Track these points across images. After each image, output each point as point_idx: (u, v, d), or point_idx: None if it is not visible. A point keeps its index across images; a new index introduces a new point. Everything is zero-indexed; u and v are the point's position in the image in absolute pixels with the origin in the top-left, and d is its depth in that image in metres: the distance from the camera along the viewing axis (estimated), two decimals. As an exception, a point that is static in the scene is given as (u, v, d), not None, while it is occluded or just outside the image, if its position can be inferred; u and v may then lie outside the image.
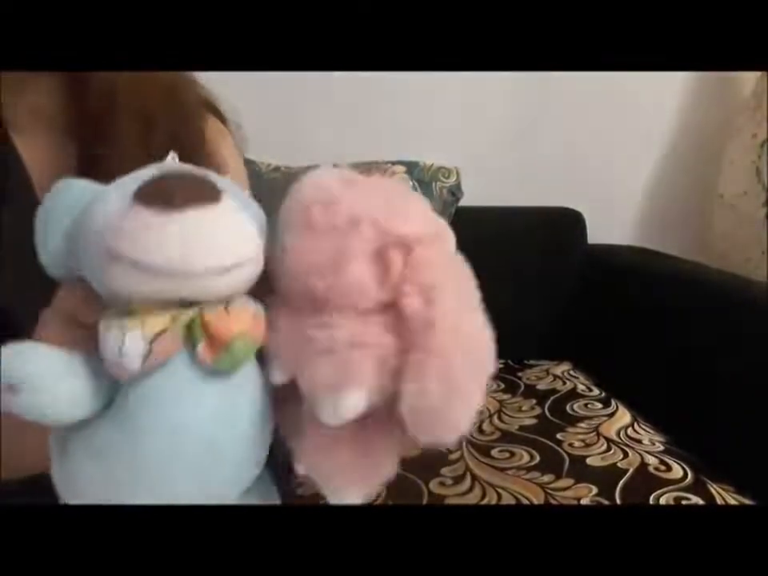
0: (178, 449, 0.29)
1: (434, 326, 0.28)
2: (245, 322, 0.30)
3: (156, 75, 0.51)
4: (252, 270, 0.30)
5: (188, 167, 0.31)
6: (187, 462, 0.29)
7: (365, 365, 0.28)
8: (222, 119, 0.62)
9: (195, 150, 0.55)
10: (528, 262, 1.25)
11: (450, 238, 0.32)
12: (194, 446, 0.29)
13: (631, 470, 0.76)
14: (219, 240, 0.29)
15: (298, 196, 0.31)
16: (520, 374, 1.13)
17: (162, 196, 0.28)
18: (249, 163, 1.17)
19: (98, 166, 0.48)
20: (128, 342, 0.28)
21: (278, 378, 0.31)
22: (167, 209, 0.27)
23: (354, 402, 0.28)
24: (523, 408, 0.98)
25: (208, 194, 0.29)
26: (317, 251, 0.29)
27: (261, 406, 0.32)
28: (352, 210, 0.29)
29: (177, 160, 0.34)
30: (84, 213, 0.29)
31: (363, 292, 0.29)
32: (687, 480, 0.74)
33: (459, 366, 0.28)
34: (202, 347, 0.29)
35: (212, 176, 0.31)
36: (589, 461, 0.79)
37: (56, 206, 0.31)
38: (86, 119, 0.50)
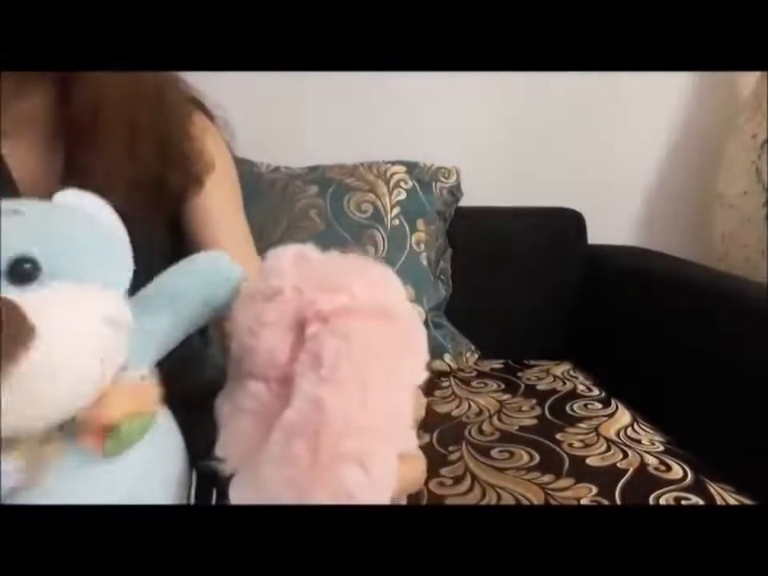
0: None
1: (314, 402, 0.26)
2: (125, 404, 0.27)
3: (141, 76, 0.51)
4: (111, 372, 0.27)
5: None
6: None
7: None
8: (209, 115, 0.62)
9: (181, 149, 0.55)
10: (528, 262, 1.25)
11: (398, 317, 0.30)
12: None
13: (631, 470, 0.76)
14: (53, 393, 0.25)
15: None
16: (520, 374, 1.13)
17: None
18: (248, 164, 1.17)
19: (84, 170, 0.48)
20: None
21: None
22: None
23: None
24: (523, 408, 0.98)
25: (24, 336, 0.23)
26: (244, 317, 0.29)
27: (175, 459, 0.30)
28: (283, 281, 0.29)
29: None
30: None
31: (273, 358, 0.28)
32: (687, 480, 0.74)
33: (328, 446, 0.26)
34: (86, 439, 0.26)
35: (17, 300, 0.24)
36: (589, 461, 0.79)
37: None
38: (72, 124, 0.50)
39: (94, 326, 0.26)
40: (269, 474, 0.27)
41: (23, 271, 0.26)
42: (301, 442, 0.26)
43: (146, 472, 0.29)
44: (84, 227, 0.30)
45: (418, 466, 0.32)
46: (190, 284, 0.32)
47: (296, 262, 0.30)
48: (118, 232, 0.33)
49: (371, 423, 0.27)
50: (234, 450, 0.28)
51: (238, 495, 0.28)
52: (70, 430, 0.27)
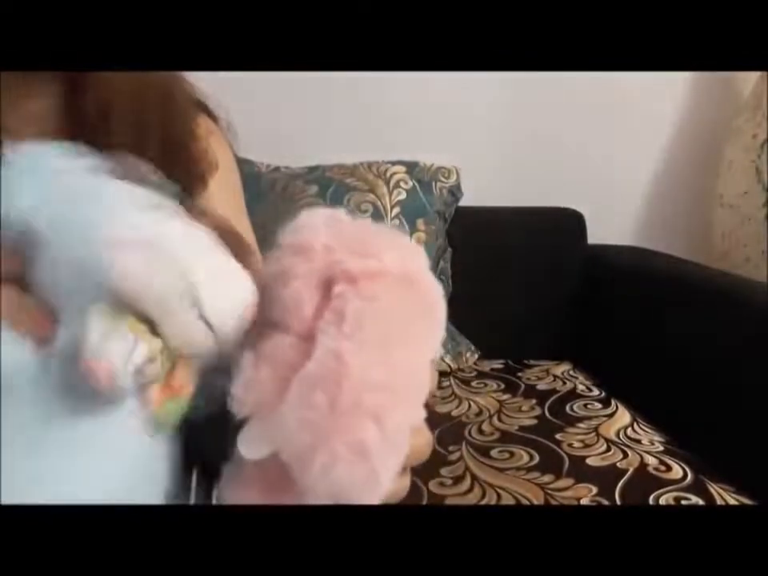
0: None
1: (336, 355, 0.27)
2: (192, 379, 0.28)
3: (149, 77, 0.51)
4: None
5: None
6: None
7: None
8: (213, 117, 0.62)
9: (187, 149, 0.55)
10: (528, 262, 1.25)
11: (424, 288, 0.30)
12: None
13: (631, 470, 0.76)
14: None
15: (289, 226, 0.31)
16: (520, 374, 1.13)
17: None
18: (248, 164, 1.17)
19: None
20: (139, 351, 0.24)
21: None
22: None
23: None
24: (523, 408, 0.98)
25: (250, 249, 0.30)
26: (273, 267, 0.30)
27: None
28: (315, 237, 0.29)
29: None
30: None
31: (298, 309, 0.28)
32: (687, 480, 0.74)
33: (348, 398, 0.26)
34: (156, 390, 0.26)
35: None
36: (589, 461, 0.79)
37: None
38: (79, 124, 0.50)
39: None
40: (287, 416, 0.26)
41: None
42: (321, 392, 0.26)
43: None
44: None
45: (425, 438, 0.33)
46: None
47: (329, 221, 0.31)
48: None
49: (391, 382, 0.27)
50: (249, 397, 0.28)
51: (249, 443, 0.28)
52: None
